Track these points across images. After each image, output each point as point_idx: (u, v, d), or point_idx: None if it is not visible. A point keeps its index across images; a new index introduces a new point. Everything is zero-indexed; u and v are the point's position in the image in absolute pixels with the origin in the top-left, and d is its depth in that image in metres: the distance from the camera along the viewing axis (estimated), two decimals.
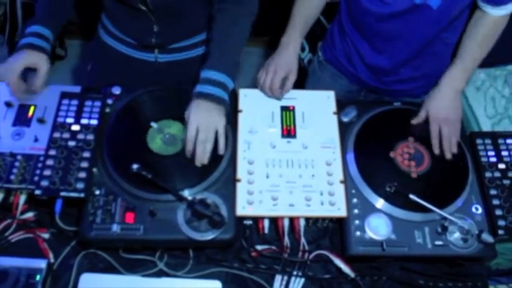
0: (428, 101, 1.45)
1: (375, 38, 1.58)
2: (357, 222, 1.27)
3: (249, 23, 1.45)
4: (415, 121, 1.46)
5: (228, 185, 1.29)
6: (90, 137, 1.32)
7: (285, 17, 1.54)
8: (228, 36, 1.40)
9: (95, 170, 1.28)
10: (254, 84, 1.49)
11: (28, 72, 1.38)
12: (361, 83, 1.78)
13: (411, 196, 1.26)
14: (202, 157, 1.28)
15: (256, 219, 1.30)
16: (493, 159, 1.41)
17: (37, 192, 1.22)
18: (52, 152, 1.28)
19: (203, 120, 1.29)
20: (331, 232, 1.37)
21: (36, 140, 1.31)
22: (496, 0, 1.37)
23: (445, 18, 1.44)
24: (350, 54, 1.70)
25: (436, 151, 1.41)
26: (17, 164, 1.26)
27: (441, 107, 1.43)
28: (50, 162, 1.26)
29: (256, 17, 1.47)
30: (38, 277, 1.20)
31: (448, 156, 1.40)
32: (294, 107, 1.44)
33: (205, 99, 1.31)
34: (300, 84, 1.59)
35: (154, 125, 1.36)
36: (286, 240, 1.28)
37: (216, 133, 1.30)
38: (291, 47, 1.48)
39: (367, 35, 1.60)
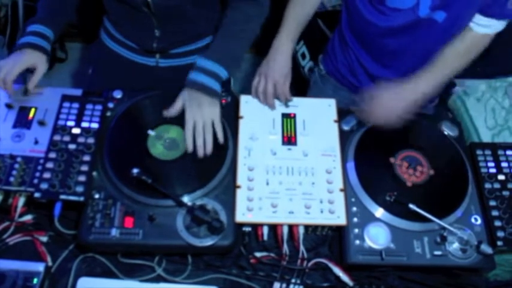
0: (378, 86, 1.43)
1: (378, 52, 1.57)
2: (356, 230, 1.27)
3: (258, 23, 1.46)
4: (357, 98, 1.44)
5: (228, 191, 1.29)
6: (91, 140, 1.32)
7: (274, 22, 1.52)
8: (234, 31, 1.42)
9: (94, 173, 1.28)
10: (243, 90, 1.48)
11: (26, 73, 1.37)
12: None
13: (411, 206, 1.25)
14: (205, 148, 1.31)
15: (256, 226, 1.30)
16: (493, 170, 1.42)
17: (36, 195, 1.22)
18: (52, 155, 1.28)
19: (198, 115, 1.32)
20: (330, 240, 1.37)
21: (36, 142, 1.31)
22: (493, 13, 1.36)
23: (450, 32, 1.42)
24: (352, 66, 1.69)
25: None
26: (16, 166, 1.26)
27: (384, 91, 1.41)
28: (49, 165, 1.26)
29: None
30: (35, 280, 1.20)
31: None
32: (295, 115, 1.44)
33: (197, 90, 1.33)
34: (301, 94, 1.58)
35: (151, 132, 1.36)
36: (285, 248, 1.28)
37: (213, 124, 1.34)
38: (284, 51, 1.46)
39: (371, 49, 1.58)
